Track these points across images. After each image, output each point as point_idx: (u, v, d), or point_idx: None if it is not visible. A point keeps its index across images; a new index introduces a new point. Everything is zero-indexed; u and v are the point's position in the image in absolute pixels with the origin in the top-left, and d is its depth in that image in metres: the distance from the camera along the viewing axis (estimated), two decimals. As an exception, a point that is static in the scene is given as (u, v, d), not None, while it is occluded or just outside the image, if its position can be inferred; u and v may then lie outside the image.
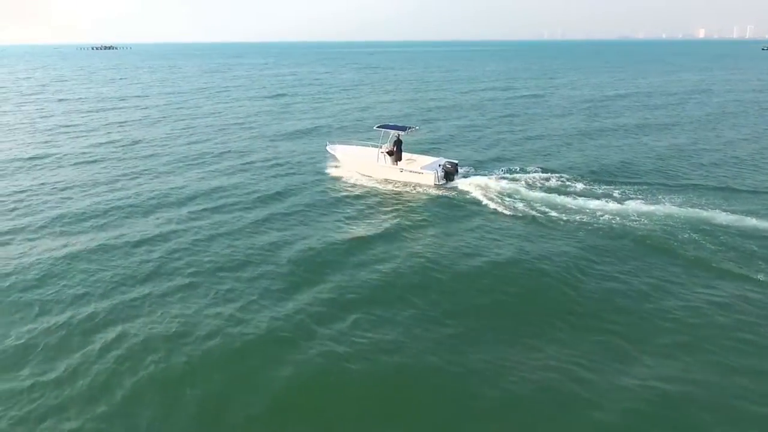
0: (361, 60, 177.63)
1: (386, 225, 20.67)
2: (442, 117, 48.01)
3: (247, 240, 19.10)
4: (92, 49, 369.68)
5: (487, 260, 17.17)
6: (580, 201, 22.89)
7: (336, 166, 28.89)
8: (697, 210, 21.37)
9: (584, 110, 51.75)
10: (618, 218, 20.73)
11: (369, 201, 23.79)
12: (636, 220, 20.48)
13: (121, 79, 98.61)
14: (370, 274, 16.24)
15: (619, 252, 17.84)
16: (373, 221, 21.19)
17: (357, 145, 29.15)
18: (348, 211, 22.48)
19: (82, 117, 49.86)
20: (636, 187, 25.06)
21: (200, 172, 28.88)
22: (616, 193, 23.89)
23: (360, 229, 20.20)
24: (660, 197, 23.30)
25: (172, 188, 25.68)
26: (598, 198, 23.30)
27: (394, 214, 22.05)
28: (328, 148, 29.31)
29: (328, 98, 64.22)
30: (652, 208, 21.69)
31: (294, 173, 28.77)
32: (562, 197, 23.31)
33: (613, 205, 22.23)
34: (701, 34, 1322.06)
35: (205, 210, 22.40)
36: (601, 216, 21.05)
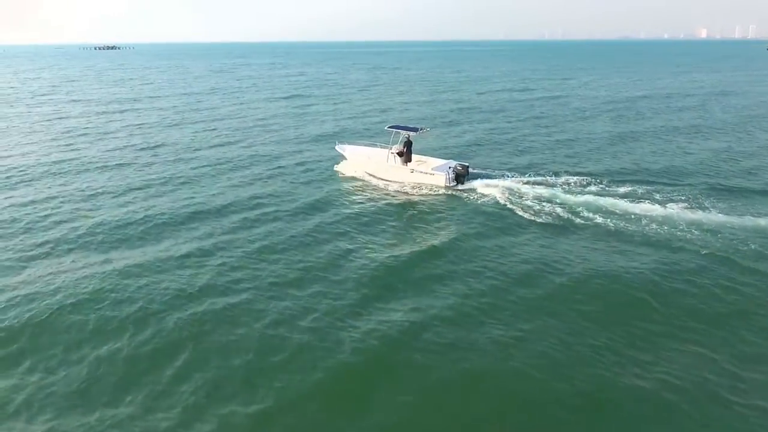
0: (368, 60, 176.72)
1: (408, 229, 21.14)
2: (465, 119, 47.91)
3: (296, 252, 18.85)
4: (95, 49, 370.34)
5: (536, 269, 17.03)
6: (592, 199, 23.64)
7: (344, 167, 29.46)
8: (749, 218, 21.15)
9: (606, 112, 51.61)
10: (652, 224, 20.67)
11: (385, 203, 24.26)
12: (683, 228, 20.21)
13: (130, 79, 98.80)
14: (460, 300, 15.54)
15: (669, 262, 17.33)
16: (397, 226, 21.63)
17: (365, 145, 29.51)
18: (373, 220, 22.39)
19: (100, 118, 49.95)
20: (673, 189, 25.06)
21: (230, 178, 28.95)
22: (641, 195, 23.76)
23: (394, 240, 20.15)
24: (703, 202, 23.33)
25: (206, 196, 25.60)
26: (616, 197, 23.85)
27: (411, 217, 22.64)
28: (337, 148, 29.78)
29: (345, 99, 64.30)
30: (699, 215, 21.53)
31: (316, 177, 28.93)
32: (577, 197, 23.91)
33: (636, 207, 22.39)
34: (703, 34, 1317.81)
35: (245, 219, 22.29)
36: (617, 218, 21.13)
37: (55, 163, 32.48)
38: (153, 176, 29.27)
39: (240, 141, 39.15)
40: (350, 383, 11.78)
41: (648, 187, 25.49)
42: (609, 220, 21.20)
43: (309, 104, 60.13)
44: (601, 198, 23.64)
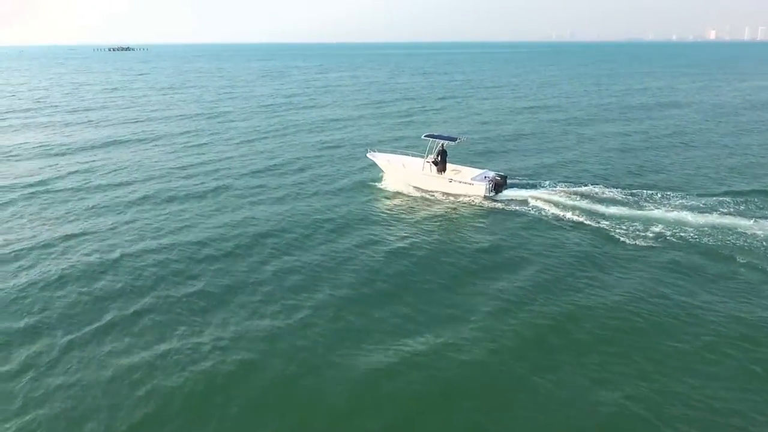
0: (403, 63, 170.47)
1: (462, 242, 20.66)
2: (502, 123, 47.30)
3: (337, 269, 18.74)
4: (109, 50, 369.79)
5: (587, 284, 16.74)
6: (632, 213, 23.06)
7: (383, 177, 28.99)
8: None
9: (663, 118, 50.39)
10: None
11: (426, 214, 23.92)
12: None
13: (187, 87, 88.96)
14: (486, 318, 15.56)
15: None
16: (445, 238, 21.29)
17: (398, 153, 29.14)
18: (412, 227, 22.10)
19: (194, 126, 48.17)
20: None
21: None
22: (689, 208, 22.88)
23: (438, 246, 20.18)
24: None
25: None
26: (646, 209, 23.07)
27: (455, 230, 22.15)
28: (369, 155, 29.40)
29: (427, 107, 60.21)
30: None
31: (352, 186, 28.26)
32: (620, 210, 23.48)
33: (686, 221, 21.91)
34: (712, 35, 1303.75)
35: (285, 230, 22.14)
36: (663, 233, 20.71)
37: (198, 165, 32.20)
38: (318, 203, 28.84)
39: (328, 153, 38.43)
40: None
41: (696, 202, 24.60)
42: (649, 235, 20.83)
43: (416, 111, 57.70)
44: (643, 212, 23.11)
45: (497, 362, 13.02)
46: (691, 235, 20.57)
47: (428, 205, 24.88)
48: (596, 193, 25.62)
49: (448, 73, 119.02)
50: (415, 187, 27.17)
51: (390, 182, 28.01)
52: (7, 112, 57.05)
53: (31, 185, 28.76)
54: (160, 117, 53.40)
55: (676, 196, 25.17)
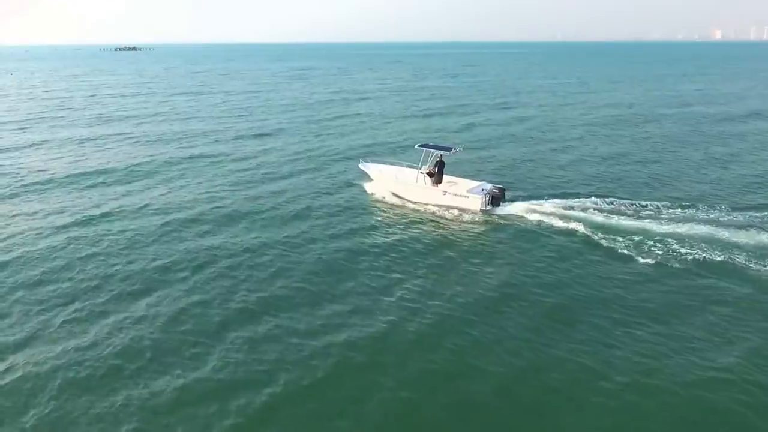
0: (420, 64, 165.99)
1: (447, 258, 19.52)
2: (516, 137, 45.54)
3: (317, 281, 17.41)
4: (115, 50, 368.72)
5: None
6: (636, 223, 21.86)
7: (370, 188, 27.55)
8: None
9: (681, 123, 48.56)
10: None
11: (416, 230, 22.63)
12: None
13: (215, 93, 79.36)
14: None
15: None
16: (432, 252, 20.13)
17: (391, 164, 27.71)
18: (402, 242, 20.64)
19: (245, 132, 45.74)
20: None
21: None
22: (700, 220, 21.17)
23: (422, 264, 18.95)
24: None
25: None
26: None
27: (445, 246, 20.80)
28: (360, 166, 27.89)
29: (487, 118, 53.74)
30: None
31: (340, 198, 26.74)
32: (622, 222, 22.16)
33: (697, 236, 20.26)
34: (718, 35, 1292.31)
35: (263, 245, 20.66)
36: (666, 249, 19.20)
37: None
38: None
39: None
40: None
41: (714, 215, 23.15)
42: (654, 250, 19.46)
43: (474, 120, 55.52)
44: (646, 224, 21.81)
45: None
46: (702, 252, 19.14)
47: (420, 219, 23.57)
48: (611, 208, 24.15)
49: (476, 75, 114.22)
50: (408, 199, 25.69)
51: (383, 194, 26.58)
52: (32, 121, 51.98)
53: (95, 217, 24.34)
54: (200, 131, 46.31)
55: (688, 209, 23.75)
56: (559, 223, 22.06)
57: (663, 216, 22.88)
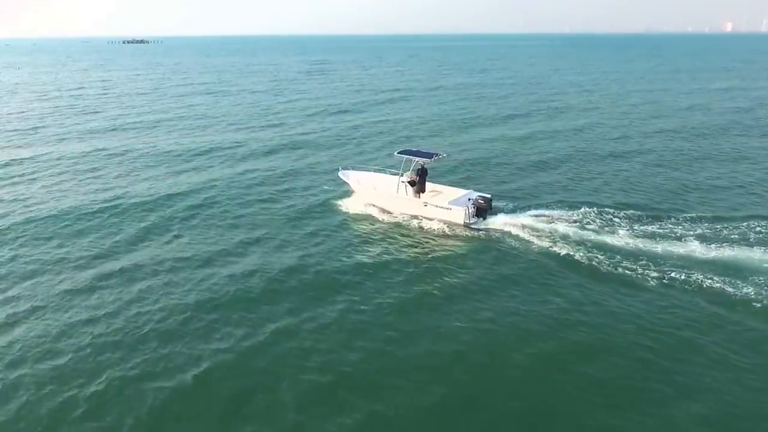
0: (436, 57, 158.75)
1: (420, 278, 17.84)
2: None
3: (287, 304, 15.73)
4: (123, 43, 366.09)
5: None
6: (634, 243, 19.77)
7: (351, 198, 25.51)
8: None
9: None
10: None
11: (392, 245, 20.71)
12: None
13: (237, 92, 71.91)
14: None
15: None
16: (401, 272, 18.40)
17: (374, 171, 25.81)
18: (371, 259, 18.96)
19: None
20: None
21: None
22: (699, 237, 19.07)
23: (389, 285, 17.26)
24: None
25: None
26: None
27: (422, 263, 19.14)
28: (340, 174, 25.86)
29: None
30: None
31: (313, 208, 24.65)
32: (620, 239, 20.12)
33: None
34: (729, 27, 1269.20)
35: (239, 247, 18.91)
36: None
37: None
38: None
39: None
40: None
41: (710, 228, 21.12)
42: (651, 274, 17.51)
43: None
44: (653, 242, 19.79)
45: None
46: (704, 276, 17.18)
47: (396, 237, 21.57)
48: (606, 220, 22.16)
49: (504, 69, 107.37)
50: (388, 211, 23.68)
51: (363, 206, 24.55)
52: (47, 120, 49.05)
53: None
54: (227, 129, 44.10)
55: (689, 223, 21.56)
56: (547, 243, 19.92)
57: (668, 232, 20.72)
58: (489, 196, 23.03)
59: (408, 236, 21.28)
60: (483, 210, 22.41)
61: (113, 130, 44.24)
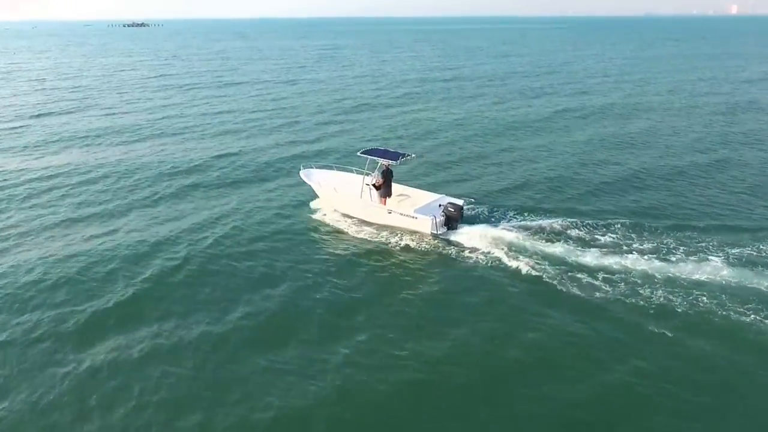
0: (443, 40, 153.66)
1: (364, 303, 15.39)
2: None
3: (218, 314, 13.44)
4: (123, 26, 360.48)
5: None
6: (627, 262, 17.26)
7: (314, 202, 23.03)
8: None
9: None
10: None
11: (347, 261, 18.18)
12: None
13: (250, 82, 61.98)
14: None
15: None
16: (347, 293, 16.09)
17: (339, 170, 23.24)
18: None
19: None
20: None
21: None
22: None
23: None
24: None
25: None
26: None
27: (378, 282, 16.85)
28: (301, 174, 23.27)
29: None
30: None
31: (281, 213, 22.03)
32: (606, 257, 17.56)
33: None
34: (734, 9, 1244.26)
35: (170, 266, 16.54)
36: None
37: None
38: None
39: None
40: None
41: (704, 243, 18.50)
42: (640, 303, 14.97)
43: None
44: (630, 263, 17.19)
45: None
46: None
47: (354, 252, 19.03)
48: (588, 231, 19.67)
49: (523, 56, 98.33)
50: (350, 216, 21.29)
51: (322, 209, 22.14)
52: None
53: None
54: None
55: (680, 240, 18.69)
56: (521, 263, 17.23)
57: (656, 250, 18.10)
58: (461, 203, 20.42)
59: (366, 249, 18.82)
60: (453, 219, 19.84)
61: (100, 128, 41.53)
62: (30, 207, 23.01)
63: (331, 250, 18.71)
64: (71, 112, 43.64)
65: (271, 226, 20.79)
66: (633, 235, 19.02)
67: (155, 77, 64.47)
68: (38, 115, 42.39)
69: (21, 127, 38.26)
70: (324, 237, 19.94)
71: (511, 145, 32.94)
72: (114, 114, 42.08)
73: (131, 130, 37.06)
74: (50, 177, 26.86)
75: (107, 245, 19.02)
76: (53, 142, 34.08)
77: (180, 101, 48.02)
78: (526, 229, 19.61)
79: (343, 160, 26.57)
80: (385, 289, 16.15)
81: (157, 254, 18.22)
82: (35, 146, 32.95)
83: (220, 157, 30.57)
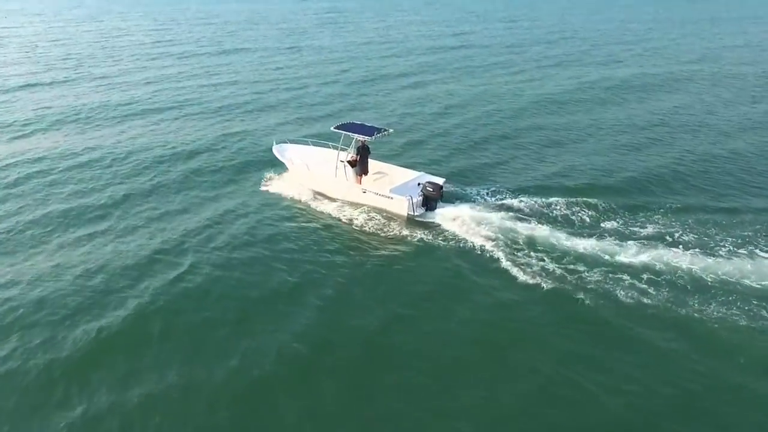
0: (465, 5, 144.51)
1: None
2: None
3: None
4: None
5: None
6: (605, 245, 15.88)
7: (284, 179, 21.41)
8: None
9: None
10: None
11: (318, 246, 16.78)
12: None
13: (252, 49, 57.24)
14: None
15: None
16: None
17: (316, 145, 21.66)
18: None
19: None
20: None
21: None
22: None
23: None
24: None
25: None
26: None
27: (348, 270, 15.48)
28: (274, 150, 21.68)
29: None
30: None
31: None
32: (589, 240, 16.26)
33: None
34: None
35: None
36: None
37: None
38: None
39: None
40: None
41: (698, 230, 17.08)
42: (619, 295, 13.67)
43: None
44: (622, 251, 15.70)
45: None
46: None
47: (324, 229, 17.80)
48: (575, 212, 18.22)
49: (537, 19, 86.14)
50: (324, 195, 19.88)
51: (295, 187, 20.57)
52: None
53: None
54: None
55: (672, 221, 17.26)
56: (504, 250, 15.83)
57: (646, 236, 16.61)
58: (441, 181, 18.91)
59: (335, 233, 17.47)
60: (432, 199, 18.40)
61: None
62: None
63: (296, 234, 17.22)
64: (63, 83, 40.98)
65: (233, 207, 19.25)
66: (638, 220, 17.56)
67: (151, 43, 61.30)
68: (26, 86, 40.20)
69: (6, 101, 36.25)
70: (290, 218, 18.43)
71: (517, 124, 29.85)
72: (107, 86, 39.57)
73: (124, 105, 33.80)
74: (36, 161, 24.75)
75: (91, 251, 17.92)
76: (38, 120, 31.88)
77: (177, 71, 44.69)
78: (511, 209, 18.15)
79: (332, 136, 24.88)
80: (350, 281, 14.80)
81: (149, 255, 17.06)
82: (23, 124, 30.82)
83: (220, 137, 27.79)
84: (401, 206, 18.13)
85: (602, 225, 17.21)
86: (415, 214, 18.09)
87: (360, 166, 19.45)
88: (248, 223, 17.94)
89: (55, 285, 14.31)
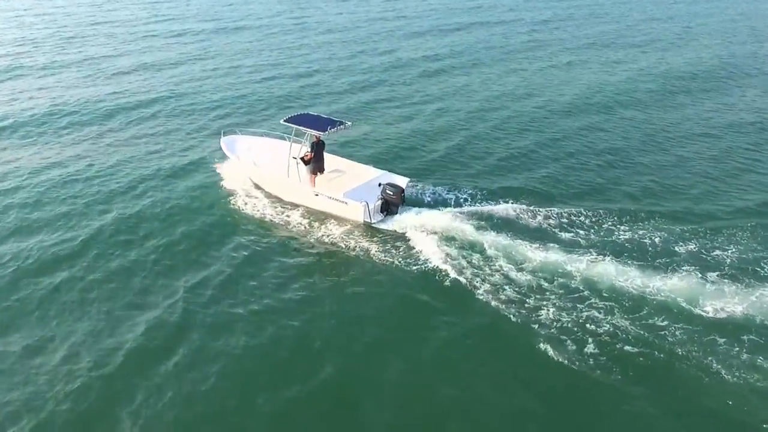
0: None
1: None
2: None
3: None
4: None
5: None
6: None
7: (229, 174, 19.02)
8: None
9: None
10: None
11: (262, 258, 14.67)
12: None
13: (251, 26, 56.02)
14: None
15: None
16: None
17: (270, 138, 19.29)
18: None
19: None
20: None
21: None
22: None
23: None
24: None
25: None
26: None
27: (293, 289, 13.42)
28: (222, 143, 19.16)
29: None
30: None
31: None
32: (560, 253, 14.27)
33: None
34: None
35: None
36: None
37: None
38: None
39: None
40: None
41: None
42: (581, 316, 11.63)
43: None
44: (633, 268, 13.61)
45: None
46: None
47: (266, 240, 15.54)
48: (548, 217, 16.10)
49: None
50: (273, 195, 17.62)
51: (241, 186, 18.23)
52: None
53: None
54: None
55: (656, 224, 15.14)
56: (470, 267, 13.72)
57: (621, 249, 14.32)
58: (403, 183, 16.62)
59: (277, 244, 15.20)
60: (393, 203, 16.19)
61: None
62: None
63: (233, 245, 14.95)
64: (47, 68, 37.62)
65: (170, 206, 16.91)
66: (631, 228, 15.28)
67: (146, 18, 56.80)
68: (9, 70, 36.73)
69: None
70: (228, 224, 16.04)
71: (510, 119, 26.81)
72: (99, 70, 35.97)
73: (116, 95, 30.82)
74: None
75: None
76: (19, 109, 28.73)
77: (174, 53, 40.95)
78: (479, 216, 15.90)
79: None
80: (290, 302, 12.81)
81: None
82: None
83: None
84: (357, 212, 15.89)
85: (572, 233, 15.00)
86: (373, 221, 15.93)
87: (314, 163, 17.08)
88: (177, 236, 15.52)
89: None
